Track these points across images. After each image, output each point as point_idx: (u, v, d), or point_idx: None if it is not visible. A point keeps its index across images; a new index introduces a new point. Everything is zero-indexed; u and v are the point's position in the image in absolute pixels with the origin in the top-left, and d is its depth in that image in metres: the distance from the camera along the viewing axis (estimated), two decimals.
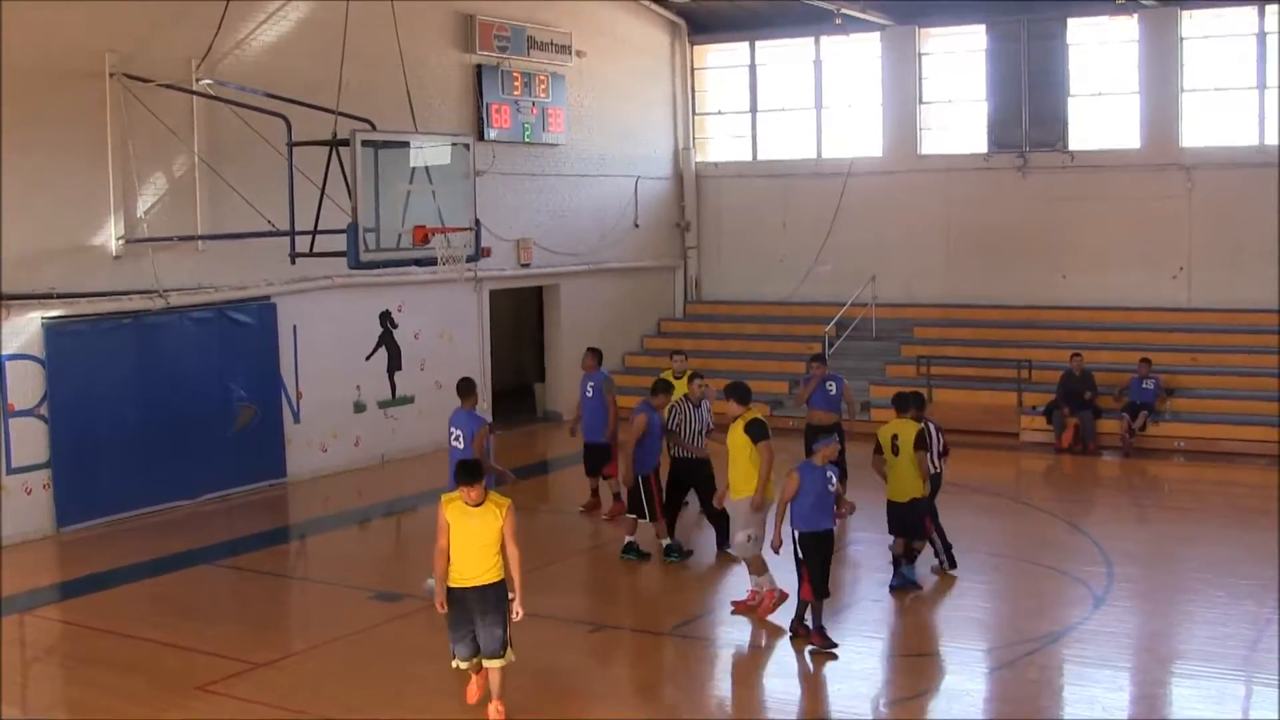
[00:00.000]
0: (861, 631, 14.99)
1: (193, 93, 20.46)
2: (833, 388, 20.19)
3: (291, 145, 18.59)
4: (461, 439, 15.77)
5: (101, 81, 19.63)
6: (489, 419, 15.85)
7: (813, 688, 13.62)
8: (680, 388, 18.79)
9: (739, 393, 15.58)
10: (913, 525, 15.82)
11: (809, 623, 14.01)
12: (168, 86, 20.03)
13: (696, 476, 17.79)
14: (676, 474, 17.86)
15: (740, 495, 15.18)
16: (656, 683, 13.61)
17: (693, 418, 17.51)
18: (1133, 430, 24.47)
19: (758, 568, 15.15)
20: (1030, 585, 16.10)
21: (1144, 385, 24.93)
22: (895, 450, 15.89)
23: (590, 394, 19.99)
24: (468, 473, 11.60)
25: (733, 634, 15.05)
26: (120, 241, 20.04)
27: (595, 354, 20.59)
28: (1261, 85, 27.04)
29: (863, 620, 15.39)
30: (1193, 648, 14.32)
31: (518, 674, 13.47)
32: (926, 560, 16.33)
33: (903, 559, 15.96)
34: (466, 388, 16.37)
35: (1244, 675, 13.44)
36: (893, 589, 15.85)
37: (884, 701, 13.06)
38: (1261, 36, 26.95)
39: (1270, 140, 26.91)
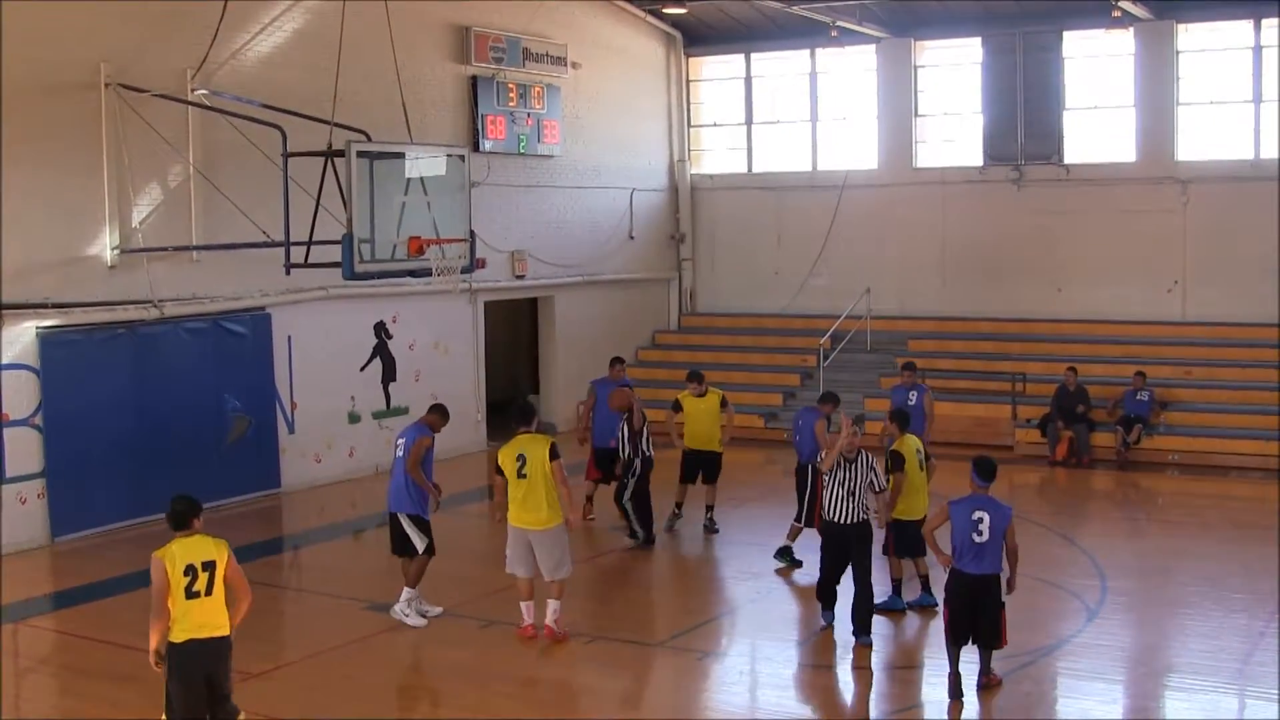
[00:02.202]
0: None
1: (188, 103, 20.47)
2: (913, 397, 20.30)
3: (287, 156, 18.58)
4: (403, 448, 15.71)
5: (96, 92, 19.62)
6: (429, 434, 15.61)
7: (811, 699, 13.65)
8: (693, 407, 19.22)
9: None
10: (922, 544, 15.43)
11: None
12: (163, 97, 20.04)
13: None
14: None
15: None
16: (648, 694, 13.59)
17: None
18: (1127, 443, 24.49)
19: None
20: (1024, 598, 15.99)
21: (1138, 398, 24.95)
22: (904, 467, 15.69)
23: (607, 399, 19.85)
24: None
25: (727, 645, 15.05)
26: (115, 252, 20.03)
27: (623, 362, 20.71)
28: (1257, 99, 27.09)
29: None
30: (1186, 661, 14.35)
31: (509, 684, 13.50)
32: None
33: (913, 581, 15.79)
34: (436, 409, 16.18)
35: (1237, 688, 13.48)
36: (910, 607, 15.60)
37: (877, 715, 13.06)
38: (1257, 50, 27.00)
39: (1265, 154, 26.94)
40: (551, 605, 14.53)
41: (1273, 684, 13.23)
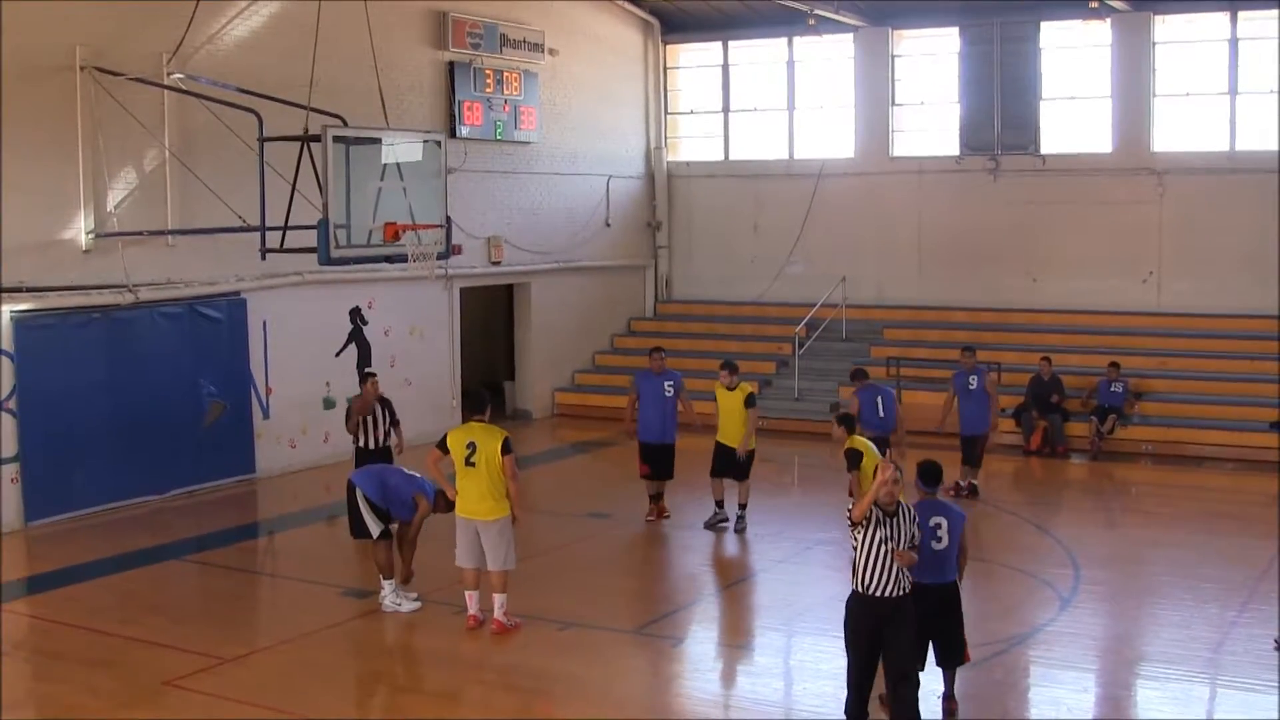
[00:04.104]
0: (829, 632, 15.02)
1: (164, 87, 20.38)
2: (974, 381, 20.39)
3: (263, 141, 18.54)
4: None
5: (72, 75, 19.53)
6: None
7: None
8: (722, 399, 19.09)
9: None
10: None
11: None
12: (139, 80, 19.96)
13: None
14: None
15: None
16: (623, 681, 13.61)
17: None
18: (1101, 433, 24.59)
19: None
20: (997, 587, 16.14)
21: (1112, 389, 25.05)
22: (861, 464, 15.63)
23: (670, 393, 19.55)
24: None
25: (700, 632, 15.08)
26: (90, 236, 19.96)
27: (663, 352, 20.26)
28: (1233, 91, 27.19)
29: (829, 620, 15.41)
30: (1158, 650, 14.42)
31: (484, 671, 13.52)
32: None
33: None
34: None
35: (1208, 677, 13.54)
36: None
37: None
38: (1233, 42, 27.09)
39: (1240, 146, 27.08)
40: (498, 599, 14.45)
41: (1243, 672, 13.35)
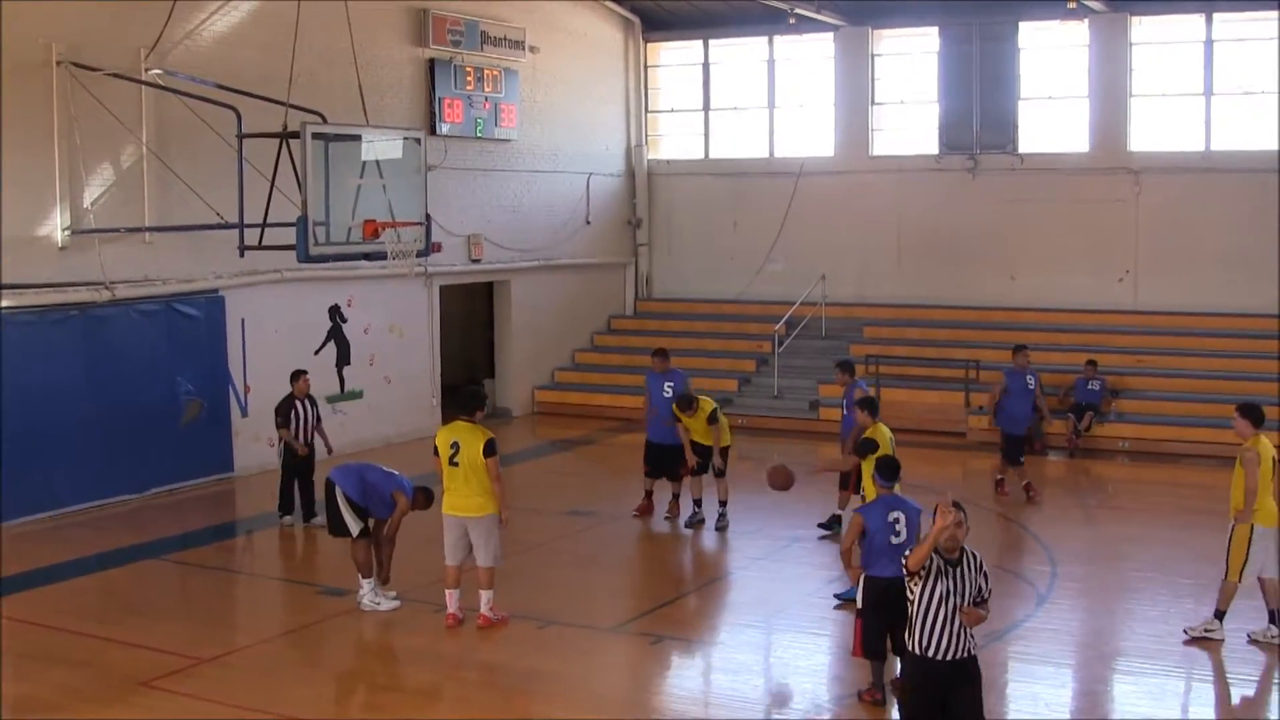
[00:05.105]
0: (806, 629, 15.08)
1: (142, 83, 20.33)
2: (1030, 381, 20.52)
3: (241, 137, 18.52)
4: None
5: (49, 70, 19.47)
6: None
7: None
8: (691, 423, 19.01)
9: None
10: None
11: None
12: (116, 76, 19.92)
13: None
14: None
15: None
16: (602, 678, 13.62)
17: None
18: (1078, 431, 24.69)
19: None
20: None
21: (1089, 386, 25.13)
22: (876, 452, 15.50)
23: (669, 394, 19.48)
24: None
25: (679, 629, 15.10)
26: (66, 233, 19.90)
27: (666, 353, 20.23)
28: (1209, 92, 27.33)
29: (807, 617, 15.47)
30: (1134, 645, 14.48)
31: (463, 669, 13.52)
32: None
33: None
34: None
35: (1184, 672, 13.61)
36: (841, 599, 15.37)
37: (826, 697, 13.12)
38: (1209, 44, 27.22)
39: (1216, 146, 27.22)
40: (484, 595, 14.49)
41: (1219, 667, 13.44)
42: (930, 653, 9.73)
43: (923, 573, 9.69)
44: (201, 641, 14.19)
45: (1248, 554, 13.87)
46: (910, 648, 9.91)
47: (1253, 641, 14.00)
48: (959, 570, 9.72)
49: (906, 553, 9.97)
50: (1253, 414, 14.11)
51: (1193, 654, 13.84)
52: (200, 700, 12.58)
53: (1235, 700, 13.21)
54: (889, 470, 13.00)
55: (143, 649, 13.94)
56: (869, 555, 12.41)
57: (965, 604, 9.67)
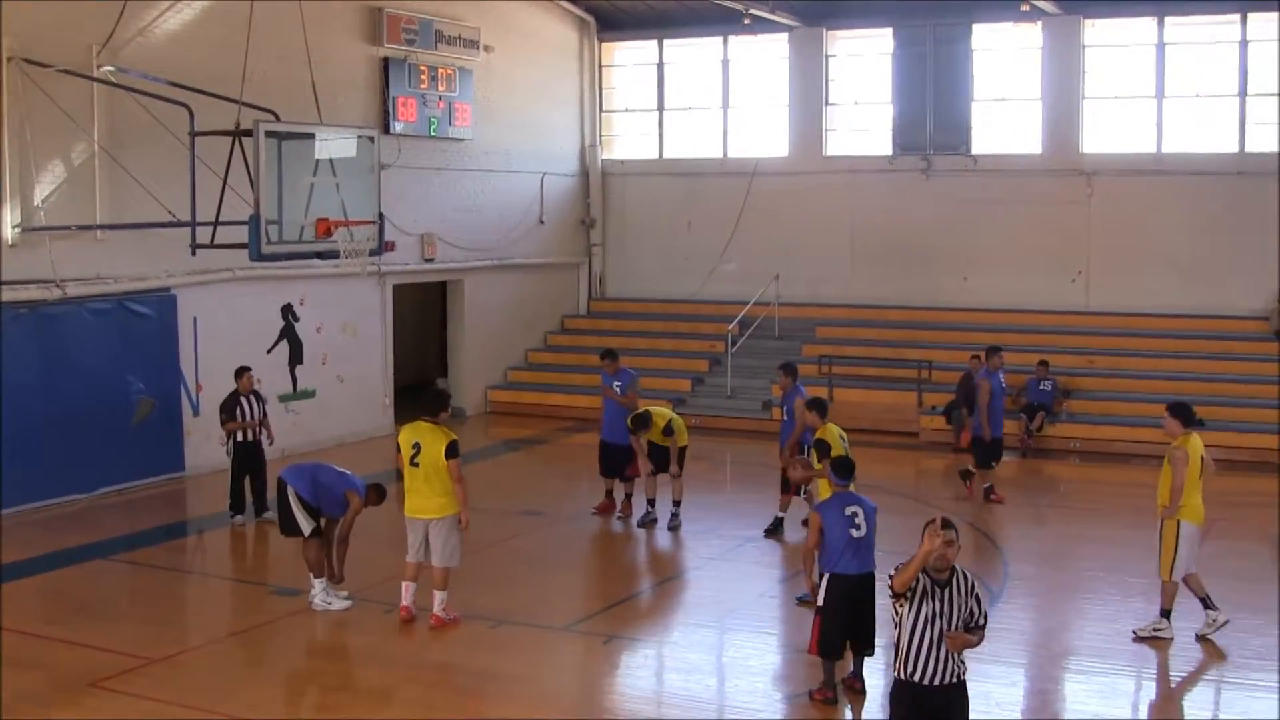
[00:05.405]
0: (759, 628, 15.11)
1: (94, 79, 20.20)
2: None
3: (194, 135, 18.42)
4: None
5: None
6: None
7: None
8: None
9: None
10: None
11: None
12: (68, 73, 19.77)
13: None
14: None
15: None
16: (555, 678, 13.61)
17: None
18: (1030, 431, 24.82)
19: None
20: None
21: (1041, 387, 25.27)
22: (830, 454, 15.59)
23: (618, 390, 19.56)
24: None
25: (632, 629, 15.11)
26: (16, 230, 19.75)
27: (614, 354, 20.13)
28: (1160, 95, 27.56)
29: (760, 617, 15.51)
30: (1085, 644, 14.58)
31: (416, 669, 13.49)
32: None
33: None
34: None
35: (1134, 671, 13.71)
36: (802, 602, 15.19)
37: (778, 697, 13.15)
38: (1161, 47, 27.45)
39: (1167, 149, 27.43)
40: (438, 596, 14.48)
41: (1167, 665, 13.54)
42: (917, 678, 9.19)
43: (909, 594, 9.11)
44: (152, 642, 14.11)
45: (1176, 551, 14.03)
46: (897, 672, 9.36)
47: (1200, 638, 14.12)
48: (948, 591, 9.14)
49: (900, 569, 9.21)
50: (1182, 413, 14.33)
51: (1143, 653, 13.94)
52: (150, 700, 12.51)
53: (1184, 698, 13.31)
54: (843, 469, 13.12)
55: (93, 649, 13.85)
56: (830, 553, 12.49)
57: (955, 628, 9.11)
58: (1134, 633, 14.25)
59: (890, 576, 9.20)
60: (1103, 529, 19.69)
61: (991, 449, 20.97)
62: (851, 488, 13.05)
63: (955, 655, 9.15)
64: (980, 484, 21.00)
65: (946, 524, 9.09)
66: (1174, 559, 14.07)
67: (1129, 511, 20.87)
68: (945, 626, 9.07)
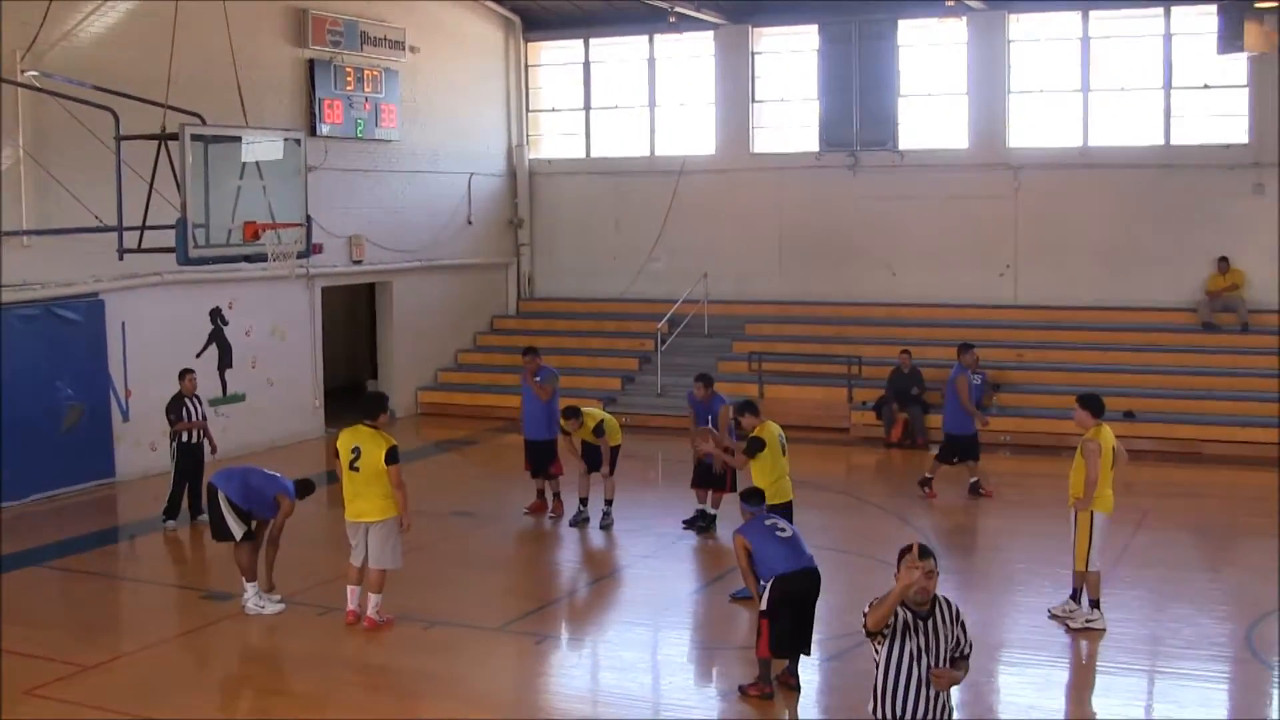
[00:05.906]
0: (694, 625, 15.17)
1: (17, 84, 20.01)
2: (978, 379, 21.54)
3: (119, 139, 18.32)
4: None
5: None
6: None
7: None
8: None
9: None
10: None
11: None
12: None
13: None
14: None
15: None
16: (489, 679, 13.61)
17: None
18: None
19: None
20: (859, 578, 16.30)
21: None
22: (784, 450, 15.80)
23: (538, 381, 19.57)
24: None
25: (565, 628, 15.14)
26: None
27: (535, 350, 20.06)
28: (1085, 88, 27.81)
29: (694, 614, 15.57)
30: (1017, 637, 14.71)
31: (350, 672, 13.46)
32: None
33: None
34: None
35: (1067, 662, 13.86)
36: (736, 598, 15.33)
37: (713, 693, 13.21)
38: (1085, 41, 27.71)
39: (1093, 142, 27.71)
40: (372, 599, 14.47)
41: (1099, 657, 13.70)
42: (903, 717, 8.30)
43: (886, 631, 8.26)
44: (85, 648, 14.02)
45: (1091, 541, 14.25)
46: (878, 717, 8.41)
47: (1053, 616, 14.64)
48: (932, 623, 8.32)
49: (874, 605, 8.33)
50: (1092, 404, 14.64)
51: (1076, 644, 14.09)
52: (84, 707, 12.43)
53: (1121, 689, 13.46)
54: (755, 498, 13.67)
55: (25, 657, 13.71)
56: (767, 562, 12.69)
57: (941, 662, 8.29)
58: (1068, 626, 14.39)
59: (864, 615, 8.34)
60: (1034, 522, 19.80)
61: (969, 445, 21.05)
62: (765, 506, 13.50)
63: (944, 694, 8.38)
64: (956, 478, 21.12)
65: (925, 552, 8.35)
66: (1089, 549, 14.29)
67: (1060, 503, 20.80)
68: (932, 662, 8.26)
